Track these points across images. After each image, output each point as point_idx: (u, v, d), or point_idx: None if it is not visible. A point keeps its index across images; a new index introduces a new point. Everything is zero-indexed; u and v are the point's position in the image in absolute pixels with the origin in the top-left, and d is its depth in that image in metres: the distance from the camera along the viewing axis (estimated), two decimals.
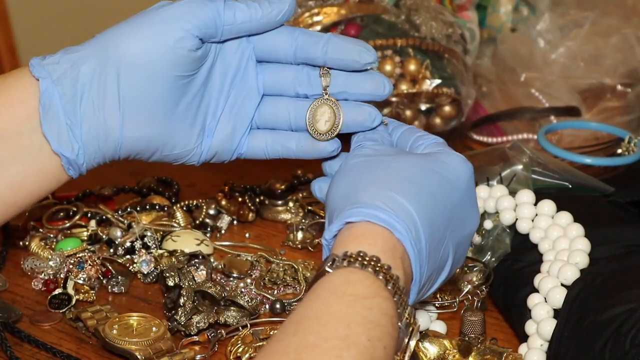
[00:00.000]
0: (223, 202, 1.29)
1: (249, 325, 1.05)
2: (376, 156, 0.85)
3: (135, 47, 0.85)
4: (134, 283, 1.16)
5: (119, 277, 1.15)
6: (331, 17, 1.37)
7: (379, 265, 0.76)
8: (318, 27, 1.37)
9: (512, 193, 1.11)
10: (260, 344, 1.02)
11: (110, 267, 1.15)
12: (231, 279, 1.15)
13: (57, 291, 1.11)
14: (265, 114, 0.92)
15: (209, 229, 1.26)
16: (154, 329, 1.02)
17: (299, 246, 1.22)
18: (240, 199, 1.29)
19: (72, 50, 0.87)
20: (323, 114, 0.89)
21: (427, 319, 1.03)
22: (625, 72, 1.46)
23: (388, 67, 1.37)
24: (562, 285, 1.00)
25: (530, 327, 1.00)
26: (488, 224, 1.11)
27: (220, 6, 0.86)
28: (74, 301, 1.10)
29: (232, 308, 1.07)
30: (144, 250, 1.17)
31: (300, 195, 1.31)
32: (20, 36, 2.17)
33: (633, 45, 1.47)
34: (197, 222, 1.26)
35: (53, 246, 1.19)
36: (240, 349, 1.01)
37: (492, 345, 0.98)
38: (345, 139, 0.91)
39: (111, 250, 1.19)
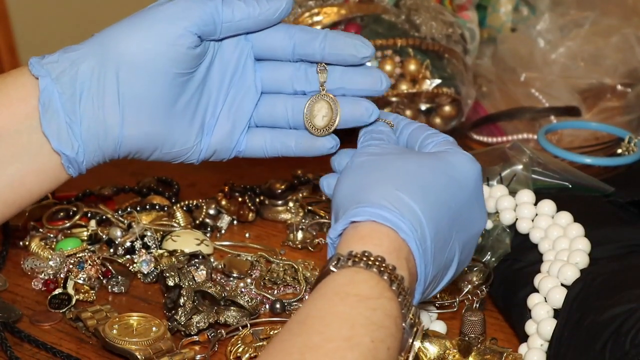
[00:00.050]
0: (223, 202, 1.29)
1: (249, 325, 1.05)
2: (383, 155, 0.85)
3: (134, 45, 0.85)
4: (134, 283, 1.16)
5: (119, 277, 1.15)
6: (331, 17, 1.37)
7: (383, 265, 0.76)
8: (318, 27, 1.37)
9: (512, 193, 1.11)
10: (260, 343, 1.02)
11: (110, 267, 1.15)
12: (231, 279, 1.15)
13: (57, 291, 1.11)
14: (264, 112, 0.92)
15: (209, 229, 1.25)
16: (154, 329, 1.02)
17: (299, 246, 1.22)
18: (240, 199, 1.29)
19: (71, 49, 0.87)
20: (320, 109, 0.90)
21: (427, 319, 1.03)
22: (625, 72, 1.46)
23: (388, 67, 1.37)
24: (562, 285, 1.00)
25: (530, 327, 1.00)
26: (488, 224, 1.11)
27: (219, 4, 0.87)
28: (74, 301, 1.10)
29: (232, 308, 1.07)
30: (144, 250, 1.17)
31: (300, 195, 1.31)
32: (20, 36, 2.17)
33: (633, 45, 1.47)
34: (197, 222, 1.26)
35: (53, 246, 1.19)
36: (240, 349, 1.01)
37: (492, 345, 0.98)
38: (351, 135, 0.91)
39: (111, 250, 1.19)
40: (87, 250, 1.17)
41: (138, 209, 1.26)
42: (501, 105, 1.46)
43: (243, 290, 1.13)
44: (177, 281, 1.08)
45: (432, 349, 0.96)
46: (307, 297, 1.11)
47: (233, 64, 0.91)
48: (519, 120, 1.43)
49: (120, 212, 1.26)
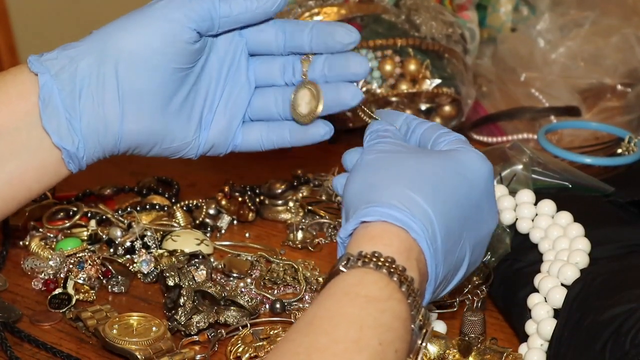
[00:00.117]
0: (223, 202, 1.29)
1: (249, 325, 1.05)
2: (392, 153, 0.85)
3: (133, 41, 0.86)
4: (134, 283, 1.16)
5: (119, 277, 1.15)
6: (331, 17, 1.37)
7: (393, 266, 0.76)
8: None
9: (512, 193, 1.11)
10: (260, 343, 1.02)
11: (110, 267, 1.15)
12: (231, 278, 1.15)
13: (57, 291, 1.11)
14: (256, 106, 0.94)
15: (209, 229, 1.25)
16: (154, 328, 1.02)
17: (299, 246, 1.22)
18: (240, 199, 1.29)
19: (70, 47, 0.88)
20: (303, 97, 0.92)
21: None
22: (625, 72, 1.46)
23: (388, 67, 1.37)
24: (562, 285, 1.00)
25: (530, 327, 1.00)
26: None
27: None
28: (74, 301, 1.10)
29: (232, 308, 1.07)
30: (144, 250, 1.17)
31: (300, 195, 1.31)
32: (20, 36, 2.17)
33: (633, 45, 1.47)
34: (197, 222, 1.26)
35: (53, 246, 1.19)
36: (240, 349, 1.01)
37: (492, 345, 0.98)
38: (360, 135, 0.92)
39: (111, 250, 1.19)
40: (87, 250, 1.17)
41: (138, 209, 1.26)
42: (501, 105, 1.46)
43: (243, 290, 1.13)
44: (177, 281, 1.08)
45: (432, 349, 0.96)
46: (309, 297, 1.12)
47: (229, 59, 0.92)
48: (519, 120, 1.43)
49: (120, 212, 1.25)
